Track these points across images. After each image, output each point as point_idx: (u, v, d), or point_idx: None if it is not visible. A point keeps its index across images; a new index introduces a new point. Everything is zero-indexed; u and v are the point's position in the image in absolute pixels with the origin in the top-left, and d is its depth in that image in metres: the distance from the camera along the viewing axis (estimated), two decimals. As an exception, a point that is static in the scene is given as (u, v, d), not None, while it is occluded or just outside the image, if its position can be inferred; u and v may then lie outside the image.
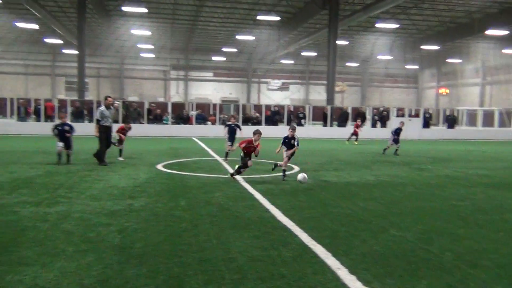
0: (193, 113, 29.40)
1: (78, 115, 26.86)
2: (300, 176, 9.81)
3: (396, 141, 16.93)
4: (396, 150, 16.86)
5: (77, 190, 8.66)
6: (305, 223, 6.41)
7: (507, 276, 4.61)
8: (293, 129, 10.56)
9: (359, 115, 28.09)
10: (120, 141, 13.89)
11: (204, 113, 30.10)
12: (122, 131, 14.15)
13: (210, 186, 9.31)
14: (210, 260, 4.79)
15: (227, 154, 14.00)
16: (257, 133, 10.11)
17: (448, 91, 54.09)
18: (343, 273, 4.51)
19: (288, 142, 10.50)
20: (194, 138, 23.90)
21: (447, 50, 47.61)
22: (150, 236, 5.67)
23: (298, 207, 7.53)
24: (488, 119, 33.47)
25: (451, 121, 32.00)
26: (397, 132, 17.09)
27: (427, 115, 31.28)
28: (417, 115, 31.02)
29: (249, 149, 10.02)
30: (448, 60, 51.10)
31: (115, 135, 13.65)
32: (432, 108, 45.22)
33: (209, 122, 29.23)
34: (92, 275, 4.34)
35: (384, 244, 5.58)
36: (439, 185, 10.24)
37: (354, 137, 22.93)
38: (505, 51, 41.63)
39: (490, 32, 33.86)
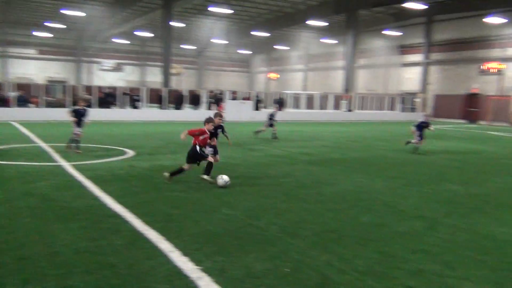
0: (13, 94, 26.20)
1: None
2: (222, 181, 8.01)
3: (271, 125, 17.61)
4: (274, 133, 17.45)
5: None
6: (138, 209, 6.29)
7: (322, 242, 5.20)
8: (221, 117, 9.20)
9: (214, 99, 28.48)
10: None
11: (26, 95, 27.06)
12: None
13: (32, 176, 8.45)
14: (30, 257, 4.38)
15: (74, 141, 12.02)
16: (210, 121, 8.38)
17: (277, 75, 58.23)
18: (176, 256, 4.57)
19: (214, 132, 9.05)
20: (13, 123, 21.39)
21: (276, 37, 50.93)
22: (-45, 236, 4.94)
23: (131, 193, 7.34)
24: (309, 102, 37.03)
25: (280, 103, 34.54)
26: (272, 117, 17.85)
27: (258, 98, 33.21)
28: (249, 98, 32.67)
29: (204, 141, 8.33)
30: (276, 47, 54.86)
31: None
32: (263, 91, 48.12)
33: (31, 105, 26.42)
34: None
35: (216, 223, 5.79)
36: (267, 164, 11.01)
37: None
38: (323, 40, 46.34)
39: (311, 22, 37.28)
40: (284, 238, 5.30)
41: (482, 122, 34.44)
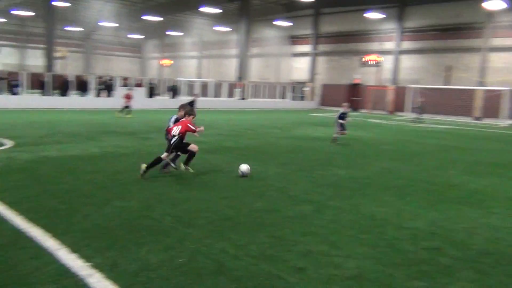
0: None
1: None
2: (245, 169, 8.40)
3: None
4: None
5: None
6: (20, 205, 5.81)
7: (217, 230, 5.26)
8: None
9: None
10: None
11: None
12: None
13: None
14: None
15: None
16: (191, 113, 8.26)
17: (171, 62, 57.12)
18: (63, 253, 4.32)
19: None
20: None
21: (169, 22, 49.84)
22: None
23: (11, 188, 6.74)
24: (204, 90, 36.95)
25: (174, 91, 34.02)
26: (190, 104, 17.52)
27: (151, 85, 32.35)
28: (141, 85, 31.68)
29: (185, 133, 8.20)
30: (169, 33, 53.71)
31: None
32: (156, 78, 46.97)
33: None
34: None
35: (107, 216, 5.57)
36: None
37: (126, 109, 21.21)
38: (217, 28, 46.39)
39: (204, 9, 37.07)
40: (179, 228, 5.27)
41: (363, 110, 37.25)
